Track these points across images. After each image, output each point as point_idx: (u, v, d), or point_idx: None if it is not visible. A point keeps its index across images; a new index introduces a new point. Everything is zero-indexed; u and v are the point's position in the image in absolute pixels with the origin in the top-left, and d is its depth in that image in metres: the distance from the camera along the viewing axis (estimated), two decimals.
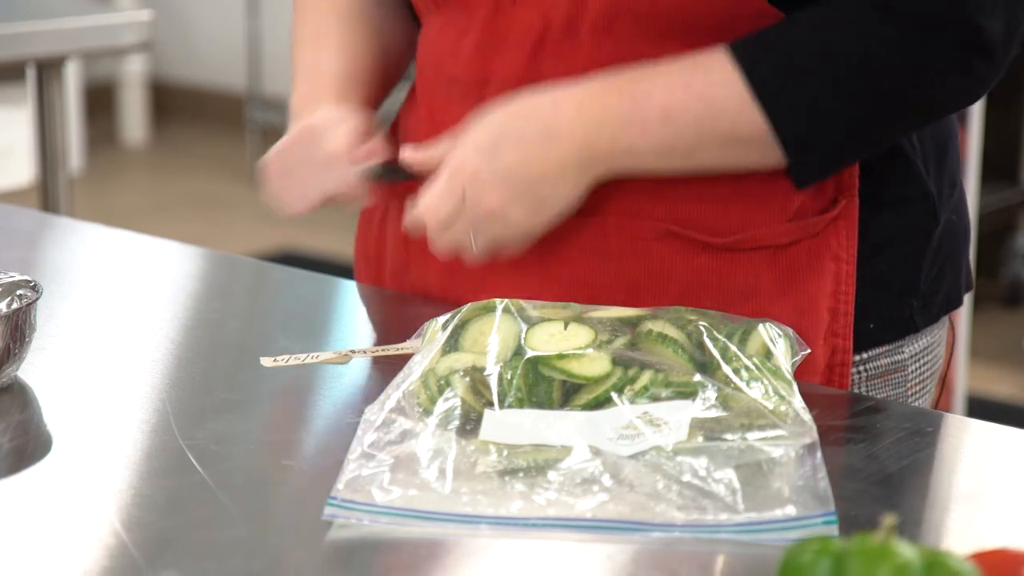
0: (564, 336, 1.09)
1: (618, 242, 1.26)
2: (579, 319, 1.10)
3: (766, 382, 1.04)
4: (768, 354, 1.08)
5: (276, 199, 1.39)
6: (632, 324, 1.10)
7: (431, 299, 1.33)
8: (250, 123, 5.46)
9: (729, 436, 1.00)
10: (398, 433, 1.02)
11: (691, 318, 1.10)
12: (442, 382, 1.06)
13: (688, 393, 1.04)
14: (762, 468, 0.99)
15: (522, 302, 1.12)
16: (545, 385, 1.06)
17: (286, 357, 1.18)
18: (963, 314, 2.98)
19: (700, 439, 1.00)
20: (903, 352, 1.31)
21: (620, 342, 1.08)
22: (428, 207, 1.25)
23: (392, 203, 1.39)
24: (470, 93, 1.30)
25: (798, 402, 1.03)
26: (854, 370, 1.27)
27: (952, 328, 1.39)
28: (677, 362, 1.07)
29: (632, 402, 1.04)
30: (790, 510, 0.95)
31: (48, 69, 2.78)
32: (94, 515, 0.97)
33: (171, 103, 6.18)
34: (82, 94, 5.60)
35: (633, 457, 1.00)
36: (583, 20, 1.23)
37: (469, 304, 1.13)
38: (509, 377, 1.06)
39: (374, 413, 1.04)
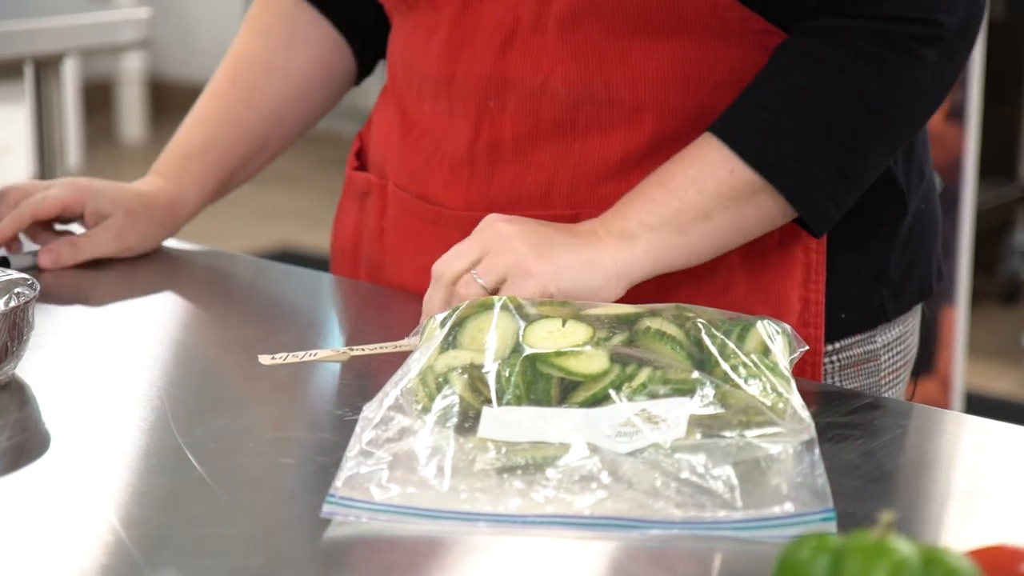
0: (562, 333, 1.09)
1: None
2: (577, 316, 1.10)
3: (764, 379, 1.04)
4: (766, 351, 1.08)
5: None
6: (630, 321, 1.10)
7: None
8: None
9: (727, 433, 1.00)
10: (396, 431, 1.02)
11: (689, 315, 1.10)
12: (440, 379, 1.06)
13: (686, 390, 1.04)
14: (760, 465, 0.99)
15: (520, 299, 1.12)
16: (543, 382, 1.06)
17: (284, 355, 1.18)
18: (960, 311, 2.98)
19: (698, 436, 1.00)
20: (875, 342, 1.32)
21: (618, 339, 1.08)
22: (448, 255, 1.20)
23: (367, 200, 1.40)
24: (440, 91, 1.30)
25: (796, 399, 1.03)
26: (827, 359, 1.29)
27: (925, 316, 1.41)
28: (675, 359, 1.07)
29: (630, 399, 1.04)
30: (788, 507, 0.95)
31: (46, 67, 2.78)
32: (92, 513, 0.97)
33: (169, 101, 6.18)
34: (80, 92, 5.59)
35: (631, 454, 1.00)
36: (549, 17, 1.24)
37: (467, 301, 1.13)
38: (507, 374, 1.06)
39: (372, 411, 1.04)
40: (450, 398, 1.04)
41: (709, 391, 1.03)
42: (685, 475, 0.98)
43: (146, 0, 5.04)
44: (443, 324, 1.11)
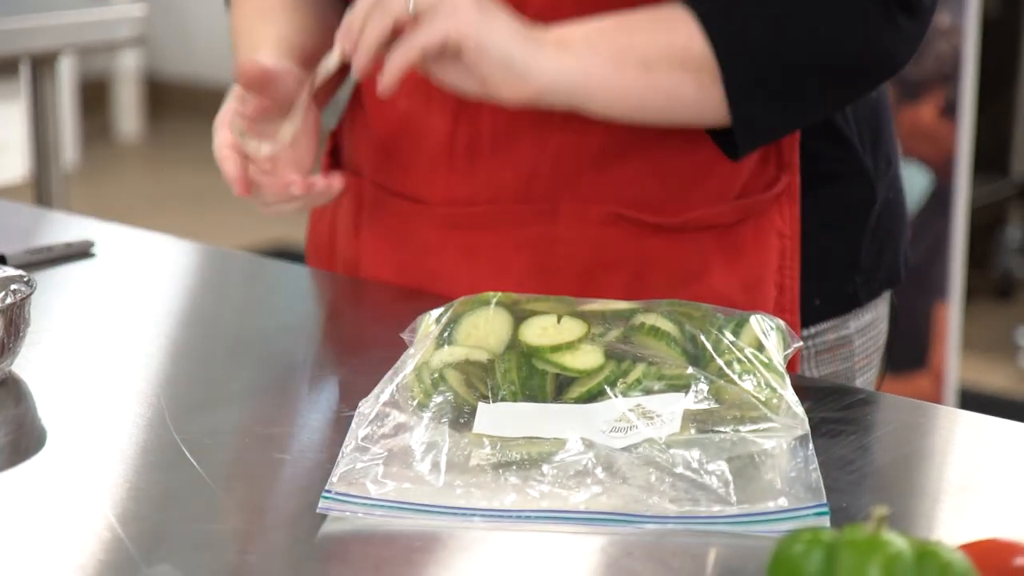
0: (557, 329, 1.09)
1: (568, 228, 1.28)
2: (572, 312, 1.11)
3: (758, 374, 1.05)
4: (760, 347, 1.08)
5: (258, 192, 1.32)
6: (625, 317, 1.10)
7: (425, 291, 1.33)
8: None
9: (722, 428, 1.01)
10: (392, 426, 1.03)
11: (684, 311, 1.10)
12: (436, 375, 1.06)
13: (681, 386, 1.04)
14: (754, 460, 0.99)
15: (515, 296, 1.12)
16: (538, 378, 1.06)
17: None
18: (954, 307, 2.99)
19: (693, 431, 1.01)
20: (849, 327, 1.35)
21: (613, 335, 1.08)
22: None
23: (343, 198, 1.40)
24: (415, 87, 1.30)
25: (790, 394, 1.04)
26: (803, 345, 1.30)
27: (894, 303, 1.43)
28: (670, 355, 1.07)
29: (625, 395, 1.04)
30: (782, 502, 0.95)
31: (42, 64, 2.78)
32: (89, 509, 0.97)
33: (165, 98, 6.17)
34: (77, 89, 5.59)
35: (626, 449, 1.00)
36: (526, 8, 1.23)
37: (462, 298, 1.13)
38: (502, 370, 1.06)
39: (368, 406, 1.04)
40: (445, 394, 1.05)
41: (703, 387, 1.03)
42: (680, 470, 0.98)
43: None
44: (438, 320, 1.11)
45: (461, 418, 1.04)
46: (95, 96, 5.97)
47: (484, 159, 1.30)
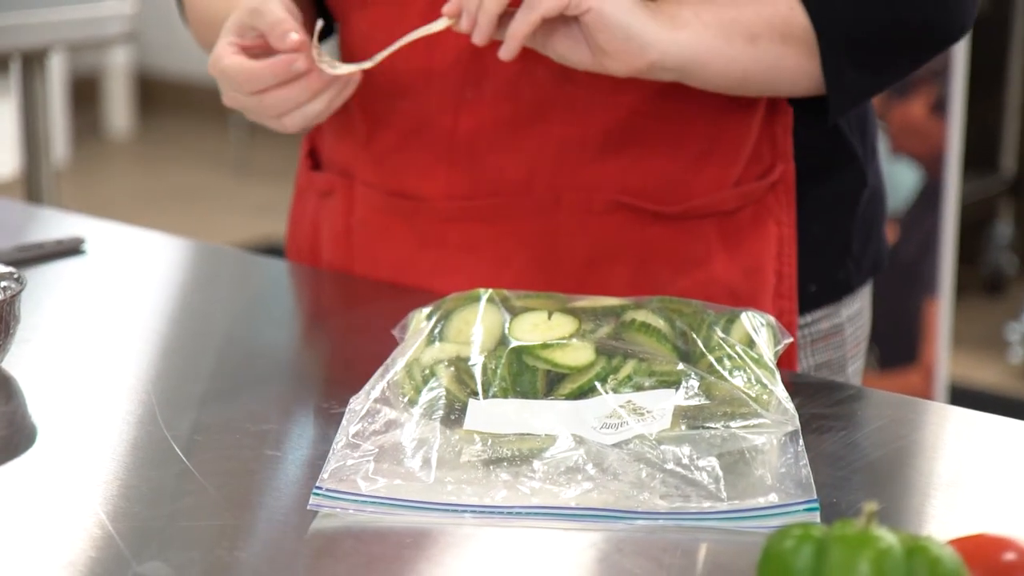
0: (548, 326, 1.09)
1: (571, 218, 1.28)
2: (563, 309, 1.11)
3: (749, 371, 1.05)
4: (750, 343, 1.08)
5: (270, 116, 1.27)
6: (616, 314, 1.10)
7: (418, 288, 1.33)
8: (234, 114, 5.45)
9: (712, 424, 1.01)
10: (383, 423, 1.03)
11: (674, 307, 1.10)
12: (427, 372, 1.06)
13: (671, 382, 1.04)
14: (745, 456, 0.99)
15: (506, 292, 1.12)
16: (529, 375, 1.06)
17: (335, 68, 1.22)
18: (944, 303, 2.99)
19: (683, 427, 1.01)
20: (841, 315, 1.37)
21: (604, 331, 1.09)
22: None
23: (329, 200, 1.39)
24: (411, 85, 1.29)
25: (780, 390, 1.04)
26: (800, 333, 1.32)
27: (873, 295, 1.45)
28: (660, 351, 1.07)
29: (616, 391, 1.04)
30: (772, 497, 0.95)
31: (33, 61, 2.78)
32: (79, 506, 0.97)
33: (156, 94, 6.17)
34: (67, 86, 5.59)
35: (617, 446, 1.00)
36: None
37: (453, 295, 1.13)
38: (493, 367, 1.06)
39: (359, 403, 1.04)
40: (436, 390, 1.05)
41: (694, 383, 1.04)
42: (670, 466, 0.98)
43: None
44: (429, 317, 1.11)
45: (452, 414, 1.04)
46: (86, 93, 5.96)
47: (486, 153, 1.30)
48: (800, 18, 1.23)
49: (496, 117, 1.29)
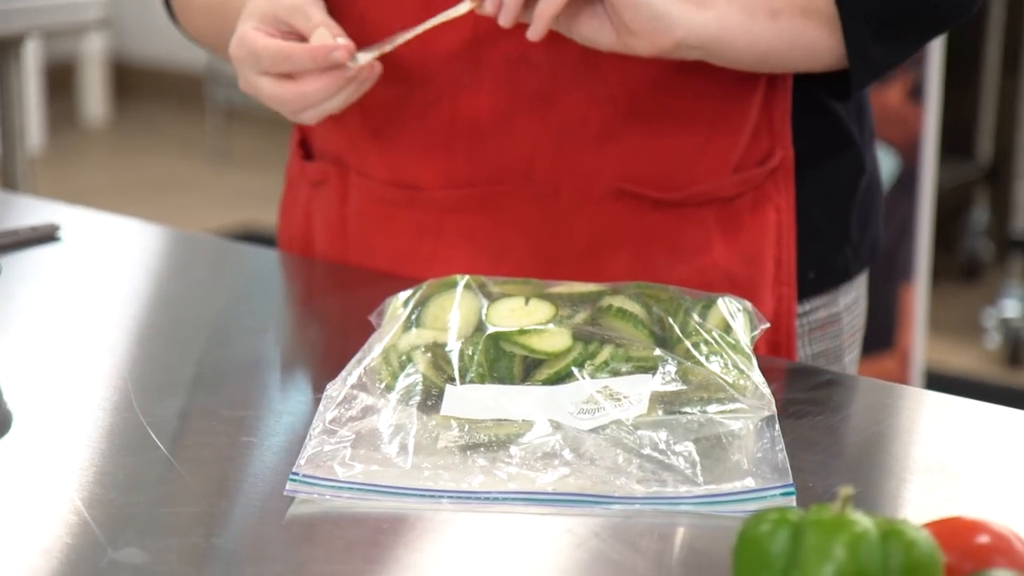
0: (525, 312, 1.09)
1: (570, 206, 1.28)
2: (540, 295, 1.11)
3: (725, 356, 1.05)
4: (727, 328, 1.09)
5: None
6: (592, 299, 1.10)
7: (392, 274, 1.33)
8: (211, 102, 5.44)
9: (689, 409, 1.01)
10: (360, 409, 1.03)
11: (651, 293, 1.10)
12: (403, 358, 1.06)
13: (648, 367, 1.04)
14: (721, 441, 1.00)
15: (483, 278, 1.12)
16: (506, 360, 1.06)
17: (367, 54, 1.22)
18: (920, 289, 3.00)
19: (660, 413, 1.01)
20: (838, 304, 1.37)
21: (580, 317, 1.09)
22: None
23: (322, 190, 1.38)
24: (407, 73, 1.27)
25: (757, 376, 1.04)
26: (797, 322, 1.32)
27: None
28: (637, 337, 1.07)
29: (592, 377, 1.04)
30: (749, 482, 0.96)
31: (8, 48, 2.77)
32: (55, 493, 0.97)
33: (132, 82, 6.15)
34: (42, 73, 5.56)
35: (594, 431, 1.00)
36: None
37: (430, 280, 1.13)
38: (470, 353, 1.06)
39: (336, 389, 1.04)
40: (413, 376, 1.05)
41: (671, 368, 1.04)
42: (647, 451, 0.98)
43: None
44: (406, 303, 1.11)
45: (429, 400, 1.04)
46: (61, 80, 5.94)
47: (485, 141, 1.28)
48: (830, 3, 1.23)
49: (495, 104, 1.27)
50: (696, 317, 1.08)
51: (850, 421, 1.10)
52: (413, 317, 1.09)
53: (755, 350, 1.09)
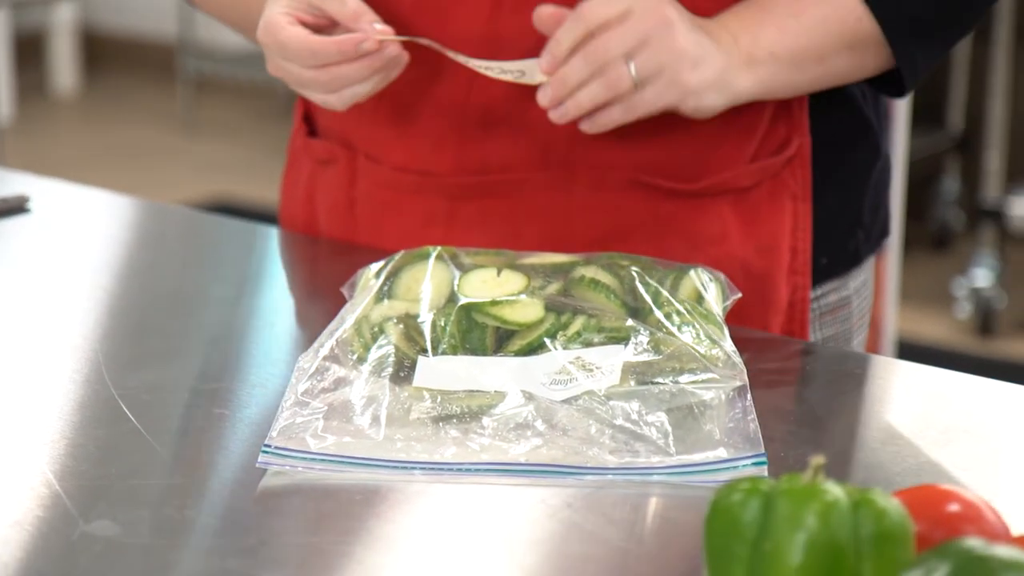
0: (497, 283, 1.09)
1: (585, 195, 1.26)
2: (512, 266, 1.11)
3: (697, 326, 1.05)
4: (699, 299, 1.09)
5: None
6: (565, 270, 1.10)
7: (366, 248, 1.32)
8: (182, 72, 5.41)
9: (661, 380, 1.01)
10: (332, 381, 1.03)
11: (623, 263, 1.10)
12: (375, 329, 1.06)
13: (620, 338, 1.04)
14: (693, 411, 1.00)
15: (455, 249, 1.12)
16: (478, 332, 1.06)
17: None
18: (892, 258, 3.01)
19: (632, 383, 1.01)
20: (848, 288, 1.35)
21: (553, 288, 1.09)
22: (602, 18, 1.16)
23: (328, 169, 1.36)
24: (421, 55, 1.24)
25: (729, 345, 1.04)
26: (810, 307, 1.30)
27: (877, 268, 1.43)
28: (609, 307, 1.07)
29: (565, 347, 1.04)
30: (721, 452, 0.96)
31: None
32: (26, 465, 0.96)
33: (102, 52, 6.11)
34: (11, 43, 5.53)
35: (566, 402, 1.00)
36: None
37: (402, 252, 1.13)
38: (442, 324, 1.06)
39: (307, 361, 1.04)
40: (385, 348, 1.05)
41: (643, 339, 1.04)
42: (619, 422, 0.99)
43: None
44: (378, 275, 1.11)
45: (401, 372, 1.04)
46: (30, 50, 5.90)
47: (499, 127, 1.26)
48: (867, 25, 1.23)
49: (509, 91, 1.23)
50: (669, 288, 1.08)
51: (821, 391, 1.11)
52: (385, 288, 1.09)
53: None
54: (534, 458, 0.96)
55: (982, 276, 3.81)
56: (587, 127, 1.20)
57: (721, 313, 1.09)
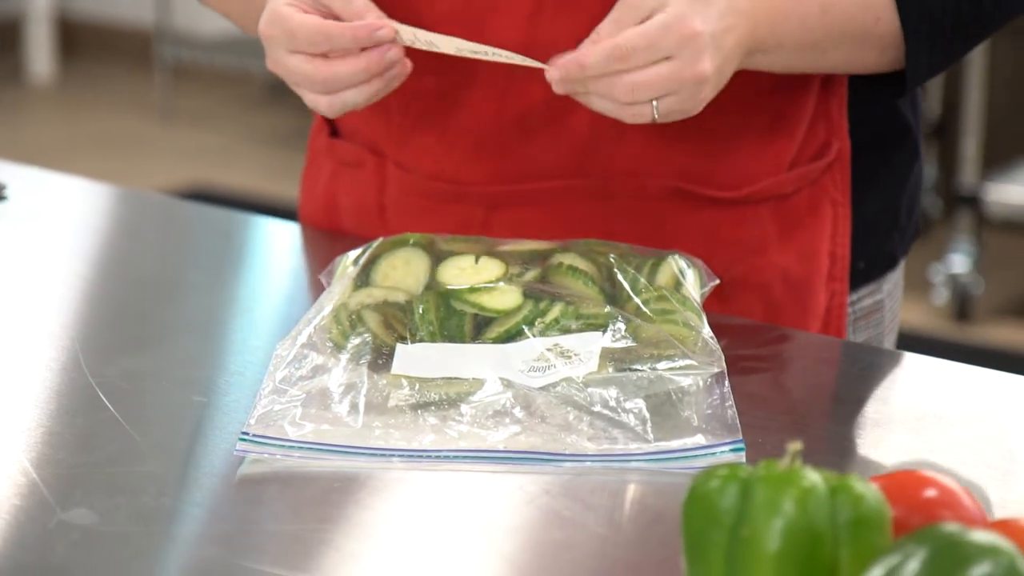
0: (475, 270, 1.09)
1: (625, 204, 1.23)
2: (490, 253, 1.11)
3: (676, 313, 1.05)
4: (678, 285, 1.09)
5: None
6: (543, 257, 1.10)
7: (344, 234, 1.31)
8: (159, 59, 5.40)
9: (639, 366, 1.01)
10: (310, 368, 1.02)
11: (601, 250, 1.10)
12: (354, 317, 1.06)
13: (598, 325, 1.04)
14: (671, 398, 1.00)
15: (433, 236, 1.12)
16: (456, 319, 1.06)
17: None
18: None
19: (610, 370, 1.01)
20: (883, 291, 1.33)
21: (531, 275, 1.09)
22: (629, 50, 1.11)
23: (356, 172, 1.32)
24: (455, 62, 1.18)
25: (707, 332, 1.05)
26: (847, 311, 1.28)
27: None
28: (587, 294, 1.07)
29: (543, 334, 1.04)
30: (699, 439, 0.96)
31: None
32: (3, 454, 0.96)
33: (79, 39, 6.09)
34: None
35: (544, 389, 1.00)
36: None
37: (380, 239, 1.12)
38: (421, 311, 1.06)
39: (285, 348, 1.04)
40: (363, 335, 1.05)
41: (621, 325, 1.04)
42: (597, 408, 0.99)
43: None
44: (356, 262, 1.11)
45: (379, 359, 1.03)
46: (6, 37, 5.87)
47: (536, 135, 1.23)
48: (887, 24, 1.20)
49: (548, 97, 1.17)
50: (647, 274, 1.09)
51: (799, 377, 1.11)
52: (363, 276, 1.09)
53: None
54: (512, 445, 0.96)
55: (959, 262, 3.82)
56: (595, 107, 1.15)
57: (699, 299, 1.09)
